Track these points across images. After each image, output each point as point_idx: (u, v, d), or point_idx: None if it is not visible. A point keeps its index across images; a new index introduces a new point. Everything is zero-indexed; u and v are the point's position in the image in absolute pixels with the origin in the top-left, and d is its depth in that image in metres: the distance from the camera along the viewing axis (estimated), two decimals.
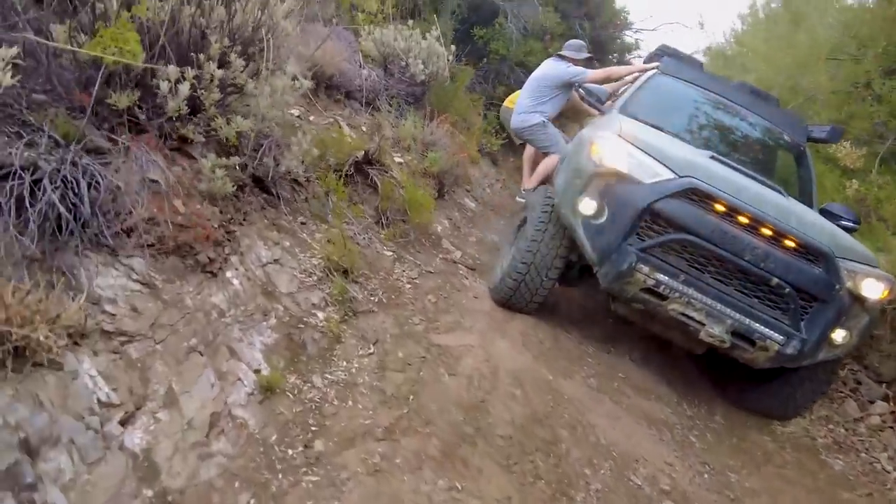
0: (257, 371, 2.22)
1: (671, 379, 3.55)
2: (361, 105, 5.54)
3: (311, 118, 4.48)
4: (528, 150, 5.57)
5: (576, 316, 3.95)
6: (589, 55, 5.16)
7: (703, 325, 2.84)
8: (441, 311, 3.21)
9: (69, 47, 1.99)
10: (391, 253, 3.71)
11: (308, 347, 2.48)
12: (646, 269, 2.79)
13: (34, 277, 1.71)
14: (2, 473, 1.27)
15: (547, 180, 5.05)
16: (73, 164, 1.89)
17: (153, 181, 2.16)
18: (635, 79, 4.75)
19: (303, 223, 3.36)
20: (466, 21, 8.32)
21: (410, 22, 6.24)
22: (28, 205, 1.73)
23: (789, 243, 2.78)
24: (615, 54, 9.66)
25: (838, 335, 2.85)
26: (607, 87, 5.05)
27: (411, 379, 2.47)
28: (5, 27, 1.92)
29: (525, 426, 2.38)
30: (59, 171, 1.83)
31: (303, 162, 3.19)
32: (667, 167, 2.87)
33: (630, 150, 2.94)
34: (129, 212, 1.99)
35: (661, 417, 3.03)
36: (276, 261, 2.87)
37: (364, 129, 5.23)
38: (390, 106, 5.69)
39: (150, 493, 1.56)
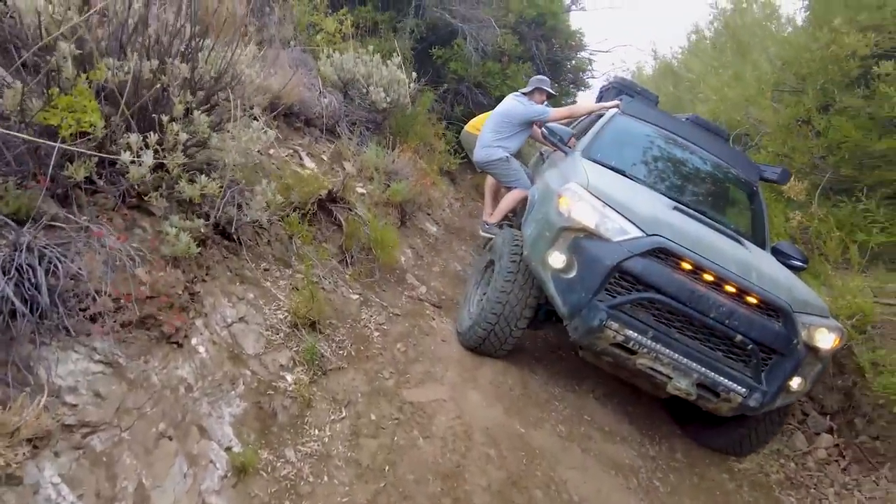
0: (228, 449, 2.15)
1: (633, 416, 3.65)
2: (321, 132, 5.45)
3: (272, 151, 4.36)
4: (490, 180, 5.62)
5: (541, 353, 4.01)
6: (554, 93, 5.25)
7: (671, 378, 2.94)
8: (411, 361, 3.19)
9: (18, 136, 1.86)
10: (357, 296, 3.66)
11: (279, 416, 2.42)
12: (615, 325, 2.85)
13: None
14: None
15: (510, 214, 5.10)
16: (29, 248, 1.77)
17: (110, 249, 2.05)
18: (594, 115, 4.87)
19: (266, 269, 3.27)
20: (425, 40, 8.31)
21: (370, 47, 6.16)
22: None
23: (752, 300, 2.89)
24: (570, 73, 9.85)
25: (794, 383, 2.99)
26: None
27: (386, 445, 2.44)
28: None
29: (501, 491, 2.40)
30: (12, 259, 1.71)
31: (268, 208, 3.12)
32: (634, 224, 2.95)
33: (597, 205, 3.00)
34: (93, 298, 1.88)
35: (626, 462, 3.11)
36: (241, 319, 2.78)
37: (324, 157, 5.16)
38: (351, 133, 5.63)
39: None
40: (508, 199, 4.94)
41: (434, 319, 3.86)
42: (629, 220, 2.97)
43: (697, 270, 2.90)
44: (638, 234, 2.92)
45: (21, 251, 1.74)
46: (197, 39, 2.50)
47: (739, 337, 2.87)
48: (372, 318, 3.51)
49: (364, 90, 5.78)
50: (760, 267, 3.11)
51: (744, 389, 2.91)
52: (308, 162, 4.81)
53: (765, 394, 2.91)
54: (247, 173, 3.28)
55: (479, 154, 5.07)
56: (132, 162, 2.12)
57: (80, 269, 1.84)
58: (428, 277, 4.74)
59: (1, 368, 1.68)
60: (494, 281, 3.35)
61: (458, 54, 8.12)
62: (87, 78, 2.03)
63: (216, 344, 2.52)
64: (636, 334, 2.87)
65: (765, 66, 6.81)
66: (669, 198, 3.70)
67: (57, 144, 1.87)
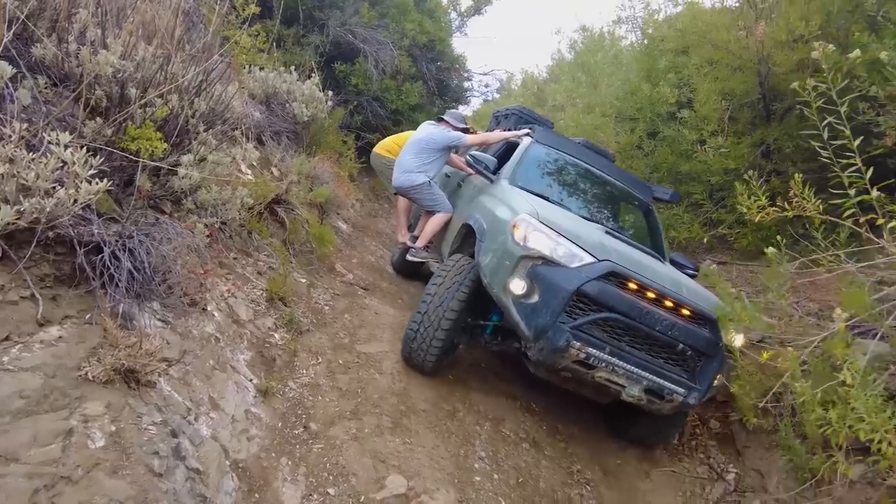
0: (251, 380, 3.05)
1: (515, 367, 4.95)
2: (249, 140, 6.18)
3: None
4: (403, 202, 5.76)
5: None
6: (466, 126, 5.55)
7: (624, 387, 3.25)
8: (357, 327, 4.21)
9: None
10: (304, 280, 4.59)
11: (276, 361, 3.34)
12: (578, 344, 3.10)
13: (122, 325, 2.41)
14: (173, 450, 2.06)
15: (434, 239, 5.21)
16: (130, 237, 2.57)
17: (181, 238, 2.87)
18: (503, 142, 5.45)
19: (234, 258, 4.10)
20: (328, 54, 9.15)
21: (292, 67, 6.94)
22: (114, 271, 2.41)
23: (685, 312, 3.29)
24: (454, 91, 11.23)
25: (717, 379, 3.38)
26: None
27: (355, 378, 3.46)
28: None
29: (435, 403, 3.53)
30: (124, 244, 2.51)
31: (240, 212, 3.95)
32: (584, 250, 3.27)
33: (551, 234, 3.28)
34: (169, 270, 2.71)
35: (513, 392, 4.39)
36: (232, 294, 3.62)
37: (255, 164, 5.92)
38: (276, 142, 6.41)
39: (228, 462, 2.39)
40: (433, 223, 5.04)
41: (366, 299, 4.89)
42: (580, 247, 3.28)
43: (641, 289, 3.23)
44: (590, 259, 3.24)
45: (126, 238, 2.54)
46: (208, 83, 3.33)
47: (681, 345, 3.26)
48: (320, 296, 4.46)
49: (286, 104, 6.57)
50: (685, 281, 3.63)
51: (683, 390, 3.27)
52: (244, 168, 5.56)
53: (700, 392, 3.31)
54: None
55: (400, 179, 5.11)
56: (183, 177, 2.94)
57: (165, 252, 2.66)
58: (350, 267, 5.72)
59: (120, 319, 2.48)
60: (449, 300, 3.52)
61: (359, 71, 9.08)
62: (151, 117, 2.82)
63: (222, 311, 3.37)
64: (596, 350, 3.14)
65: (611, 98, 8.60)
66: (590, 220, 4.16)
67: (141, 160, 2.67)
